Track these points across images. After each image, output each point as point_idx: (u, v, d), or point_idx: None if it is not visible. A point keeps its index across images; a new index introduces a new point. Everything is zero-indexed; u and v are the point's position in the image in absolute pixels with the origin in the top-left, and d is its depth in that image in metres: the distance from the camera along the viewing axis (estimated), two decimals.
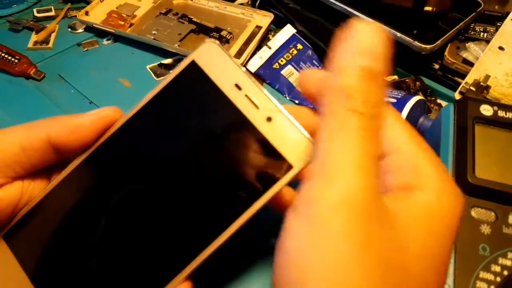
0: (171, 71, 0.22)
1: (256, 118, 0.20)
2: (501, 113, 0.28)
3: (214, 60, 0.21)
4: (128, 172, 0.21)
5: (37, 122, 0.21)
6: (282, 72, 0.45)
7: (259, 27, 0.50)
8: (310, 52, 0.46)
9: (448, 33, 0.43)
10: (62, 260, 0.22)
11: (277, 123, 0.20)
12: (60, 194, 0.22)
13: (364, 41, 0.16)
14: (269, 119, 0.20)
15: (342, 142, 0.15)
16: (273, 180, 0.20)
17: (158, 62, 0.48)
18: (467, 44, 0.45)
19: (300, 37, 0.47)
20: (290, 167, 0.19)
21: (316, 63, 0.46)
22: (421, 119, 0.36)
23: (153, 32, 0.51)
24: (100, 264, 0.21)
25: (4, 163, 0.20)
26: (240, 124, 0.20)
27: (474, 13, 0.45)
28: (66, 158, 0.22)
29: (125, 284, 0.21)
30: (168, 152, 0.21)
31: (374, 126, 0.16)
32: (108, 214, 0.21)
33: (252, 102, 0.20)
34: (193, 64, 0.21)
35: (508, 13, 0.44)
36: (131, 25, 0.53)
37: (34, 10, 0.55)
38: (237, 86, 0.20)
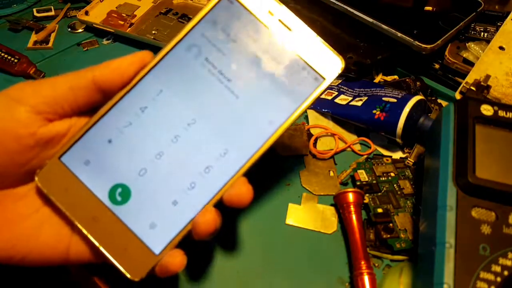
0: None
1: (290, 39, 0.24)
2: (501, 113, 0.28)
3: None
4: (170, 99, 0.24)
5: (83, 69, 0.24)
6: None
7: None
8: None
9: (448, 33, 0.43)
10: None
11: (309, 43, 0.24)
12: (110, 118, 0.24)
13: None
14: (302, 40, 0.24)
15: None
16: (310, 92, 0.24)
17: None
18: (467, 44, 0.44)
19: None
20: (322, 79, 0.24)
21: None
22: (421, 119, 0.36)
23: (153, 32, 0.51)
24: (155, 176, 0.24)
25: (54, 99, 0.23)
26: (276, 47, 0.24)
27: (474, 13, 0.45)
28: (108, 99, 0.25)
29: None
30: (207, 73, 0.24)
31: None
32: (154, 129, 0.24)
33: (285, 25, 0.24)
34: None
35: (508, 13, 0.44)
36: (131, 25, 0.53)
37: (34, 10, 0.55)
38: (270, 12, 0.24)
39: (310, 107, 0.41)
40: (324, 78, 0.24)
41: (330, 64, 0.24)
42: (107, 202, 0.24)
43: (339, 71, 0.24)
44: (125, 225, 0.23)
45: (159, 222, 0.23)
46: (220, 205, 0.24)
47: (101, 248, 0.23)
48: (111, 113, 0.24)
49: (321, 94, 0.24)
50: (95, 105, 0.25)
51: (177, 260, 0.23)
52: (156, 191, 0.24)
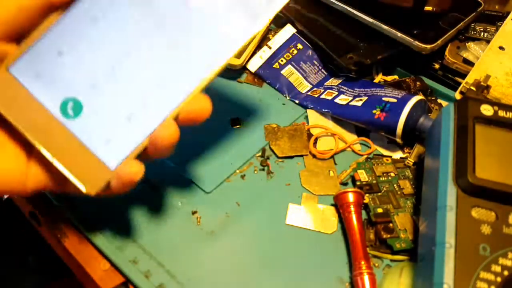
0: None
1: None
2: (501, 113, 0.28)
3: None
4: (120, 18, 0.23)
5: None
6: (282, 72, 0.45)
7: None
8: (310, 51, 0.46)
9: (449, 33, 0.43)
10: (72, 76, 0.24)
11: None
12: (61, 28, 0.23)
13: None
14: None
15: None
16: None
17: None
18: (467, 44, 0.44)
19: (300, 37, 0.47)
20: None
21: (316, 62, 0.46)
22: (421, 119, 0.36)
23: None
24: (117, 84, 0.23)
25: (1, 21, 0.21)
26: None
27: (474, 13, 0.45)
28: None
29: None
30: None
31: None
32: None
33: None
34: None
35: (508, 13, 0.44)
36: None
37: None
38: None
39: (310, 107, 0.41)
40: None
41: None
42: (59, 116, 0.23)
43: None
44: (78, 139, 0.23)
45: (113, 137, 0.23)
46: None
47: (55, 161, 0.23)
48: (62, 22, 0.23)
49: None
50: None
51: (133, 169, 0.23)
52: (109, 106, 0.23)
